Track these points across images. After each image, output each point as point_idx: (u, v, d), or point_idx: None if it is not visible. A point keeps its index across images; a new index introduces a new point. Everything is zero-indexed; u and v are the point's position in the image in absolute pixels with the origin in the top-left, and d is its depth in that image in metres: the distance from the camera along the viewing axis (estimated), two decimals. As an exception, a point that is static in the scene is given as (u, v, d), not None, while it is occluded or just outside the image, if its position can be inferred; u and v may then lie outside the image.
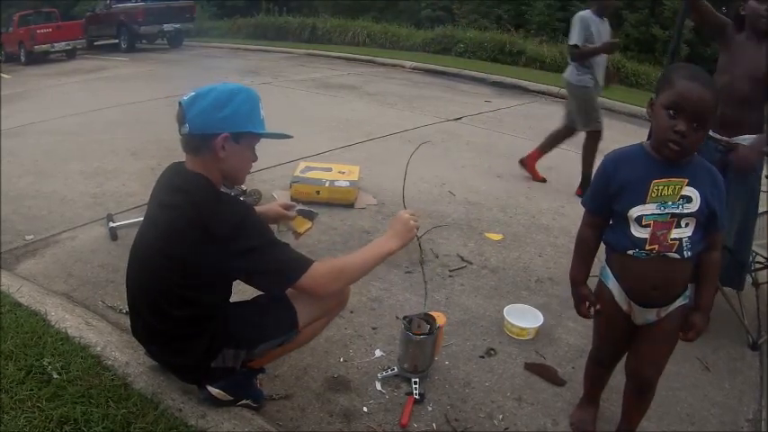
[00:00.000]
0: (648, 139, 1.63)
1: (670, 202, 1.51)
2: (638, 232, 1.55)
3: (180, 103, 1.60)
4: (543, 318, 2.53)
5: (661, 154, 1.51)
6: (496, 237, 3.47)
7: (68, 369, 1.85)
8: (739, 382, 2.33)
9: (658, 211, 1.52)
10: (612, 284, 1.69)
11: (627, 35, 11.88)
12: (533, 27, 12.79)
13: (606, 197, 1.60)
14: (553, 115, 6.99)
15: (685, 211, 1.52)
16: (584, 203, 1.72)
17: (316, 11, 16.19)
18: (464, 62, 10.60)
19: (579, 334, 2.53)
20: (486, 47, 11.16)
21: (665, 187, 1.51)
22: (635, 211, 1.54)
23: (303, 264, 1.59)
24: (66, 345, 1.99)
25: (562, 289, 2.91)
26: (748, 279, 2.76)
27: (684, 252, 1.54)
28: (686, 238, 1.54)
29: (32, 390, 1.75)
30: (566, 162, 5.02)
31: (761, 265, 2.86)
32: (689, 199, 1.51)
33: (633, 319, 1.70)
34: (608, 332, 1.81)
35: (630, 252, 1.58)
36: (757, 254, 2.85)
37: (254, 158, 1.71)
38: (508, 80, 8.95)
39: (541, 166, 4.85)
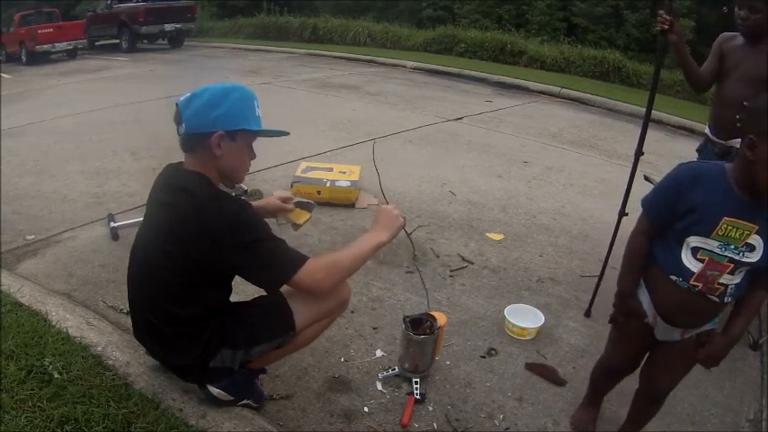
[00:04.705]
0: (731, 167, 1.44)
1: (733, 246, 1.41)
2: (689, 262, 1.46)
3: (177, 104, 1.62)
4: (544, 318, 2.53)
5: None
6: (497, 237, 3.47)
7: (69, 369, 1.85)
8: (740, 383, 2.34)
9: (718, 251, 1.42)
10: (643, 296, 1.63)
11: (628, 35, 11.89)
12: (534, 27, 12.78)
13: (672, 212, 1.47)
14: (554, 115, 7.05)
15: (744, 260, 1.41)
16: (643, 205, 1.58)
17: (317, 11, 16.18)
18: (465, 62, 10.59)
19: (580, 334, 2.53)
20: (486, 47, 11.15)
21: (734, 229, 1.39)
22: (694, 241, 1.44)
23: (298, 260, 1.59)
24: (67, 344, 2.00)
25: (563, 289, 2.91)
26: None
27: (725, 298, 1.48)
28: (732, 285, 1.46)
29: (33, 389, 1.75)
30: (566, 162, 5.03)
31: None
32: (752, 248, 1.40)
33: (655, 332, 1.65)
34: (626, 342, 1.76)
35: (673, 278, 1.50)
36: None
37: (252, 156, 1.71)
38: (509, 80, 8.93)
39: (541, 165, 4.86)
